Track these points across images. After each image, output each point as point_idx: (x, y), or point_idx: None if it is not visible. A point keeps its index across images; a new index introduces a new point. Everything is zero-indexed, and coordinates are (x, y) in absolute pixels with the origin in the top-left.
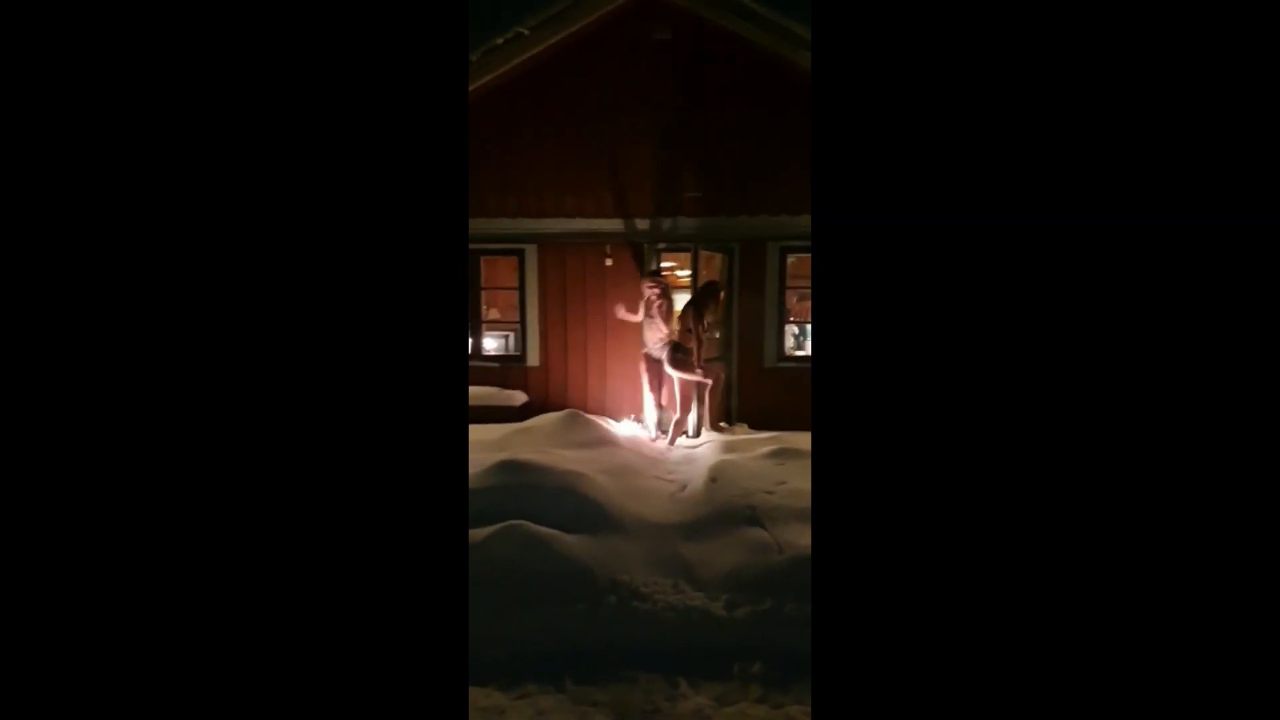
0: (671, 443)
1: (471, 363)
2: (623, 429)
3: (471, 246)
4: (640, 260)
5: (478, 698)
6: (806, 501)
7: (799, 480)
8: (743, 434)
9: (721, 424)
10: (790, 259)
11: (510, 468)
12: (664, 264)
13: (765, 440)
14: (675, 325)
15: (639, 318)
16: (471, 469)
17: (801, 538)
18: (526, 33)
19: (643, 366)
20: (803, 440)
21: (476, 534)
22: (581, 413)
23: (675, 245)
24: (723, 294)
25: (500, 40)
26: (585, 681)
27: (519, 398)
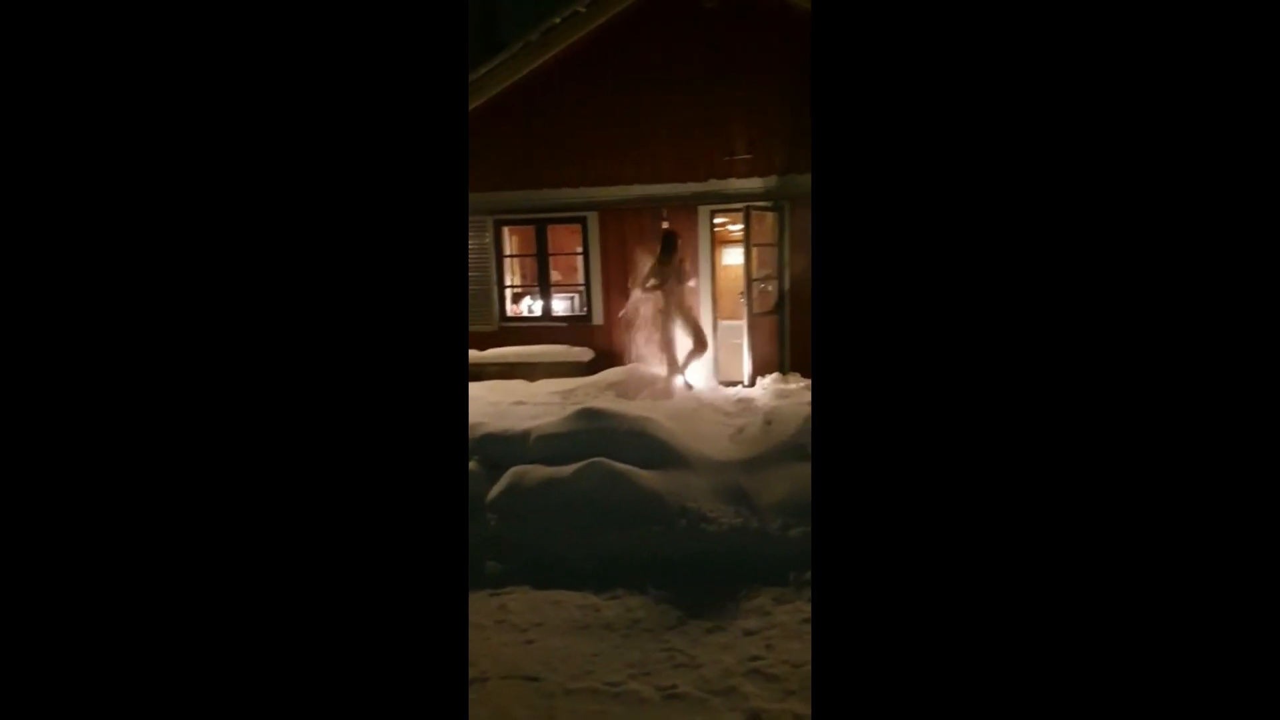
0: (669, 379)
1: (541, 323)
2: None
3: (537, 216)
4: (695, 222)
5: (574, 599)
6: None
7: None
8: (795, 382)
9: (776, 373)
10: None
11: (588, 414)
12: (717, 221)
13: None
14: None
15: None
16: (552, 417)
17: None
18: (583, 10)
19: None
20: None
21: (564, 470)
22: (640, 366)
23: (728, 206)
24: (680, 240)
25: (558, 20)
26: (663, 586)
27: (586, 354)
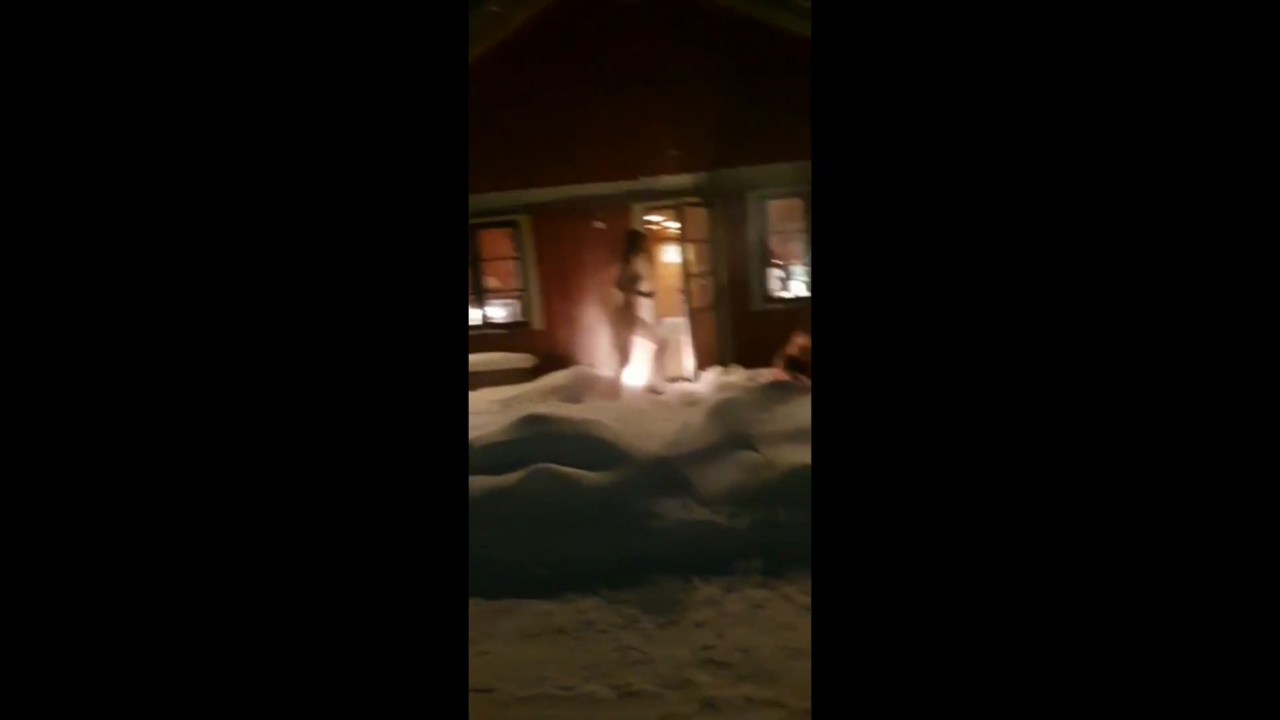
0: (617, 379)
1: (479, 331)
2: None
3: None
4: (630, 221)
5: (526, 607)
6: (794, 425)
7: (786, 409)
8: (737, 374)
9: (719, 367)
10: (770, 205)
11: (530, 421)
12: (652, 218)
13: (755, 377)
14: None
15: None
16: (495, 425)
17: (791, 455)
18: (497, 10)
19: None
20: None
21: (510, 478)
22: (586, 368)
23: (661, 203)
24: (645, 240)
25: (473, 20)
26: (616, 587)
27: (528, 360)
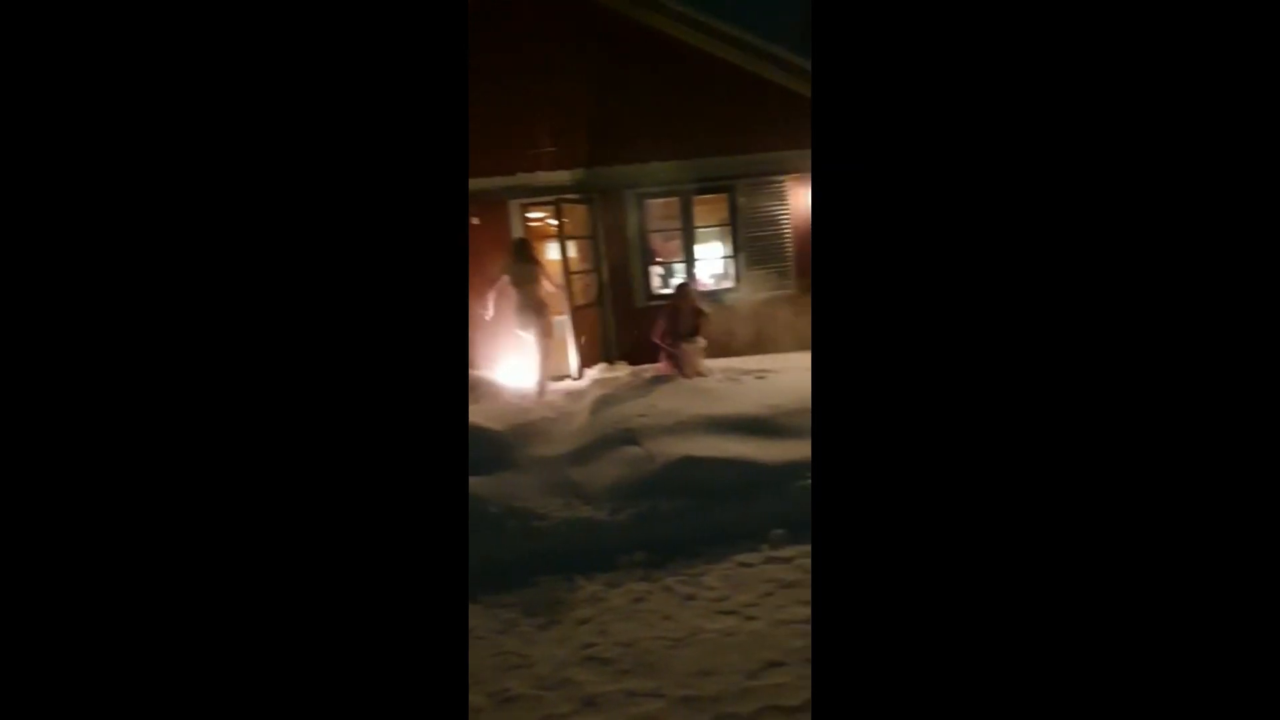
0: (540, 389)
1: None
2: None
3: None
4: (507, 218)
5: None
6: (674, 419)
7: (667, 403)
8: (621, 369)
9: (602, 364)
10: (648, 204)
11: None
12: (532, 215)
13: (639, 373)
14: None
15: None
16: None
17: (670, 447)
18: None
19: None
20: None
21: None
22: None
23: (540, 200)
24: (531, 247)
25: None
26: (497, 591)
27: None
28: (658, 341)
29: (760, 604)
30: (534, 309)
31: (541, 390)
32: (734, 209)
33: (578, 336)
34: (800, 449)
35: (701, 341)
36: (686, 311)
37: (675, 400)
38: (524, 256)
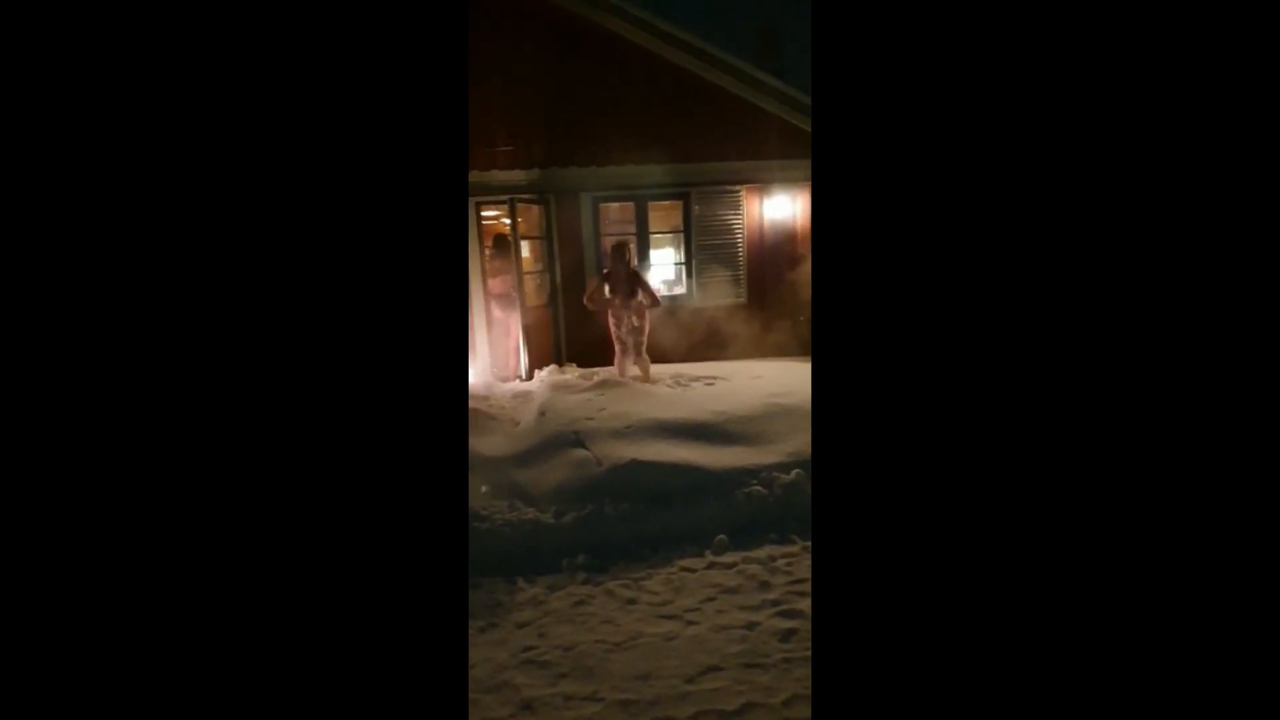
0: (488, 389)
1: None
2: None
3: None
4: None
5: None
6: (623, 423)
7: (616, 407)
8: (571, 372)
9: (553, 365)
10: (603, 207)
11: None
12: (488, 214)
13: (589, 375)
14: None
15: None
16: None
17: (616, 451)
18: None
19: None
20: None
21: None
22: None
23: (494, 198)
24: (509, 245)
25: None
26: None
27: None
28: (587, 304)
29: (701, 609)
30: (505, 306)
31: (489, 391)
32: (688, 216)
33: (528, 337)
34: (745, 456)
35: (643, 300)
36: (623, 275)
37: (623, 404)
38: (502, 253)
